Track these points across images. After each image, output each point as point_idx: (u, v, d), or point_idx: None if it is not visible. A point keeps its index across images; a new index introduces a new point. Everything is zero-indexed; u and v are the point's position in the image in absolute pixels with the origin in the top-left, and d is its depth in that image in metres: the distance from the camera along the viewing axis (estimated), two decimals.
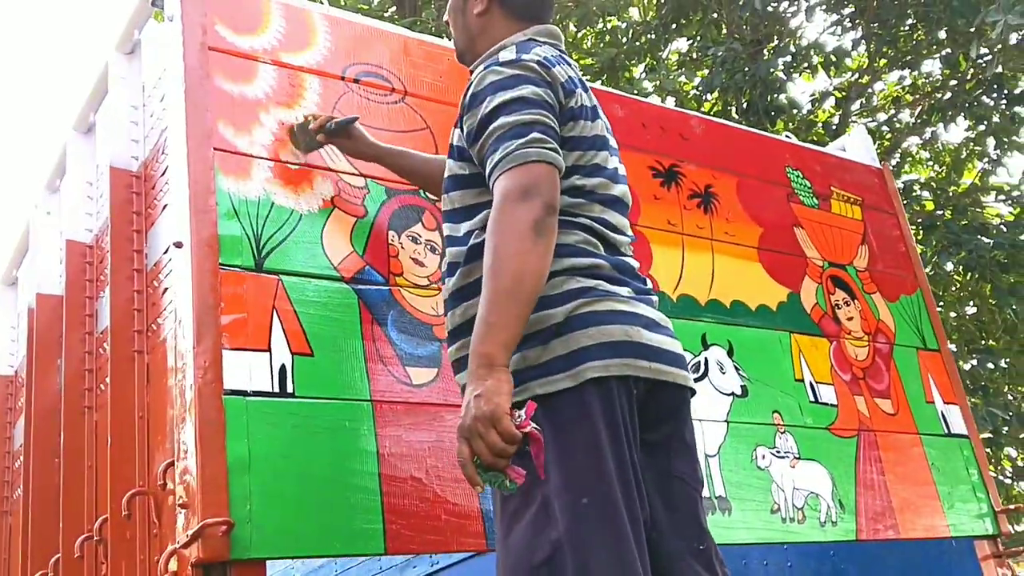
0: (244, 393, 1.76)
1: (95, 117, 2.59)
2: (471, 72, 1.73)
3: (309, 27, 2.24)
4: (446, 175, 1.72)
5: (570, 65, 1.70)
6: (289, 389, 1.82)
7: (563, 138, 1.60)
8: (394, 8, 7.57)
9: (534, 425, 1.38)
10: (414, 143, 2.26)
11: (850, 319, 2.95)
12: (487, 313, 1.43)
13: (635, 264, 1.69)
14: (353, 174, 2.12)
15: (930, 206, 7.52)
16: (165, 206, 2.10)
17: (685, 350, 1.70)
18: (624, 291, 1.58)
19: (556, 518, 1.40)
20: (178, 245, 1.86)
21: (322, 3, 2.33)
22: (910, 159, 8.90)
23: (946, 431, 2.98)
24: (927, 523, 2.75)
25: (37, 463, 2.49)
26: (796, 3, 7.44)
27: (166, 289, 2.04)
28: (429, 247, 2.17)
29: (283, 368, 1.84)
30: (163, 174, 2.14)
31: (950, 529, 2.78)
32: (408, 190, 2.19)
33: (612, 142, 1.75)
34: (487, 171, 1.56)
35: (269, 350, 1.84)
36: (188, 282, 1.80)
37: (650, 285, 1.70)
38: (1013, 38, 6.11)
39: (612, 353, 1.50)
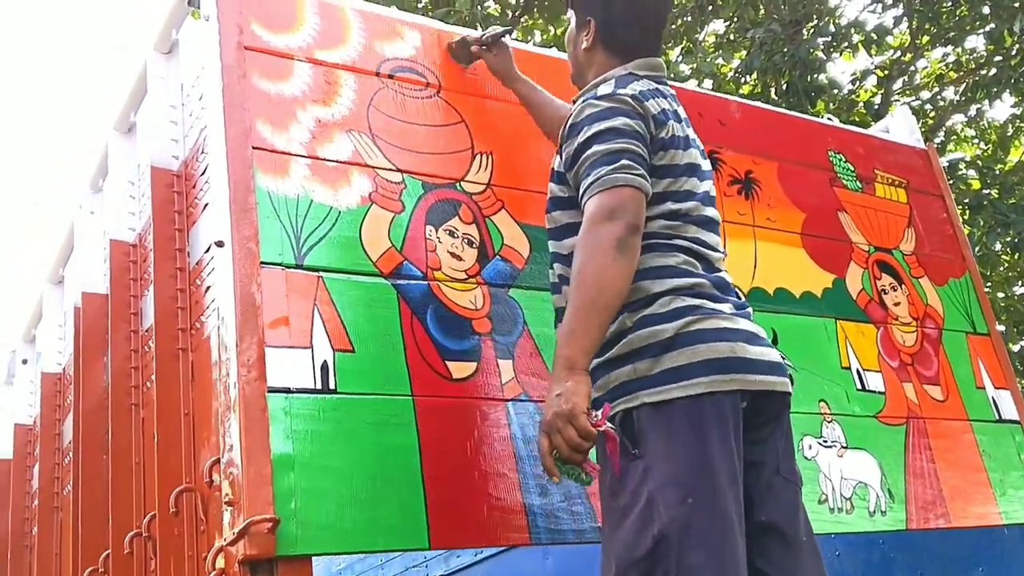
0: (287, 390, 1.77)
1: (135, 117, 2.61)
2: (573, 101, 1.86)
3: (343, 23, 2.24)
4: (548, 197, 1.85)
5: (665, 97, 1.82)
6: (331, 385, 1.83)
7: (654, 166, 1.72)
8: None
9: (609, 425, 1.52)
10: (450, 137, 2.25)
11: (897, 304, 2.90)
12: (571, 321, 1.57)
13: (730, 279, 1.80)
14: (390, 169, 2.12)
15: (976, 185, 7.36)
16: (206, 205, 2.11)
17: None
18: (726, 308, 1.69)
19: (661, 514, 1.51)
20: (219, 244, 1.87)
21: None
22: (955, 137, 8.73)
23: (997, 417, 2.91)
24: (979, 511, 2.69)
25: (86, 460, 2.53)
26: None
27: (208, 287, 2.06)
28: (466, 241, 2.16)
29: (325, 364, 1.84)
30: (203, 173, 2.15)
31: (1002, 516, 2.72)
32: (445, 184, 2.19)
33: (705, 166, 1.86)
34: (580, 194, 1.69)
35: (311, 347, 1.85)
36: (230, 280, 1.81)
37: (744, 299, 1.80)
38: None
39: (720, 369, 1.61)
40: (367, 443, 1.81)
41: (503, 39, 2.32)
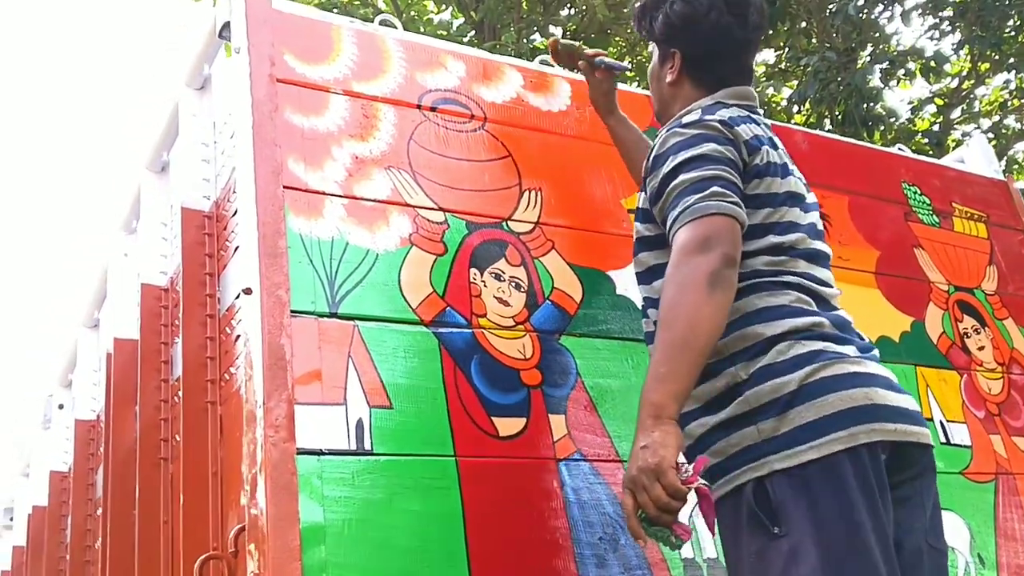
0: (318, 452, 1.62)
1: (168, 156, 2.51)
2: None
3: (382, 53, 2.11)
4: (635, 237, 1.72)
5: (758, 124, 1.69)
6: (367, 446, 1.68)
7: (749, 195, 1.58)
8: (473, 32, 7.50)
9: (702, 481, 1.35)
10: (496, 173, 2.10)
11: (981, 348, 2.68)
12: (659, 363, 1.41)
13: (850, 318, 1.62)
14: (432, 208, 1.97)
15: None
16: (236, 248, 1.99)
17: None
18: (851, 350, 1.52)
19: None
20: (247, 292, 1.74)
21: (396, 27, 2.20)
22: (1016, 166, 8.44)
23: None
24: None
25: (115, 515, 2.40)
26: (891, 8, 7.10)
27: (239, 336, 1.93)
28: (514, 284, 2.00)
29: (360, 423, 1.69)
30: (234, 214, 2.03)
31: None
32: (490, 223, 2.03)
33: (810, 199, 1.72)
34: (667, 227, 1.55)
35: (345, 403, 1.70)
36: (258, 331, 1.67)
37: (868, 339, 1.62)
38: None
39: (857, 419, 1.44)
40: (406, 511, 1.65)
41: (613, 71, 2.17)
